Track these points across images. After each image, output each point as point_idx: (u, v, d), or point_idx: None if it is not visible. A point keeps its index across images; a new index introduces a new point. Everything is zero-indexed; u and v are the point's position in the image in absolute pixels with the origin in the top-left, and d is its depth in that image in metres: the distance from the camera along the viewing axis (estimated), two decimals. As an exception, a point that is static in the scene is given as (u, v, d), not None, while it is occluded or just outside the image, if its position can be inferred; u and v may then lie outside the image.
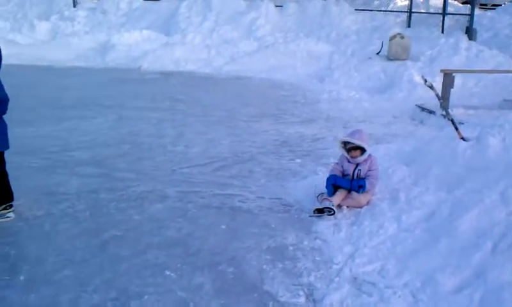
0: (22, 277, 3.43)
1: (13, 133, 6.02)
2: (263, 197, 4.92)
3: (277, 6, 16.48)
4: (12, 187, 4.42)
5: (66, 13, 17.63)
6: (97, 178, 5.32)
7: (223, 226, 4.29)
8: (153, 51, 14.58)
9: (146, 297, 3.26)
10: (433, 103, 7.72)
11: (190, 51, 14.55)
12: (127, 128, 7.44)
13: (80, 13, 17.65)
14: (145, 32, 15.92)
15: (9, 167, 5.15)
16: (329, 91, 10.41)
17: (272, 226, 4.33)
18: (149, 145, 6.59)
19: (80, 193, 4.90)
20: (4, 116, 4.22)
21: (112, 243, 3.96)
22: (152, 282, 3.43)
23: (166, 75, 12.82)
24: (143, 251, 3.83)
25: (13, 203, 4.35)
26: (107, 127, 7.48)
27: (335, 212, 4.40)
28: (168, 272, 3.55)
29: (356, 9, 16.30)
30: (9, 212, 4.29)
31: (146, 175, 5.46)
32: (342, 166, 4.74)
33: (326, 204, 4.47)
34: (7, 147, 4.24)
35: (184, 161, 5.98)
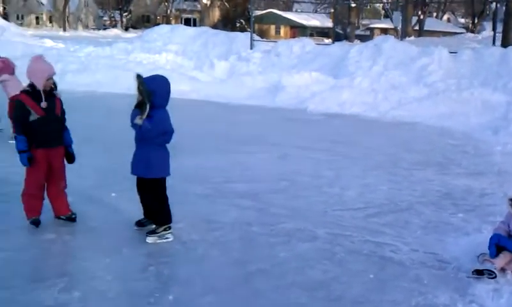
0: (170, 297, 3.62)
1: (183, 162, 6.56)
2: (417, 250, 4.65)
3: (451, 53, 15.81)
4: (175, 211, 4.75)
5: (243, 54, 18.73)
6: (252, 211, 5.48)
7: (371, 275, 4.12)
8: (321, 93, 14.81)
9: (283, 335, 3.24)
10: None
11: (356, 94, 14.50)
12: (288, 166, 7.59)
13: (256, 55, 18.63)
14: (314, 74, 16.26)
15: (175, 193, 5.55)
16: (503, 144, 9.60)
17: (425, 282, 4.06)
18: (306, 184, 6.65)
19: (234, 223, 5.08)
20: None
21: (257, 276, 4.02)
22: (291, 321, 3.40)
23: (331, 117, 12.90)
24: (285, 288, 3.84)
25: (172, 225, 4.65)
26: (269, 163, 7.70)
27: (496, 276, 4.00)
28: (307, 314, 3.50)
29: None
30: (168, 233, 4.60)
31: (298, 213, 5.49)
32: (509, 226, 4.31)
33: (487, 266, 4.09)
34: (168, 174, 4.59)
35: (338, 203, 5.91)
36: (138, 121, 4.32)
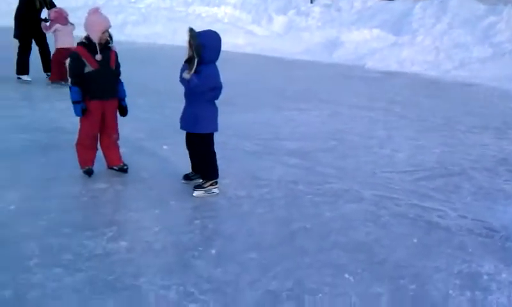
0: (213, 251, 3.72)
1: (234, 117, 6.64)
2: (465, 217, 4.55)
3: (522, 11, 14.96)
4: (223, 166, 4.83)
5: (303, 8, 18.40)
6: (299, 170, 5.49)
7: (415, 240, 4.08)
8: (380, 50, 14.44)
9: (320, 295, 3.28)
10: None
11: (418, 52, 14.05)
12: (339, 124, 7.52)
13: (316, 8, 18.27)
14: (375, 31, 15.84)
15: (224, 148, 5.65)
16: None
17: (469, 249, 3.99)
18: (356, 144, 6.58)
19: (280, 181, 5.11)
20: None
21: (300, 234, 4.06)
22: (330, 282, 3.43)
23: (389, 75, 12.61)
24: (327, 249, 3.86)
25: (219, 180, 4.74)
26: (320, 121, 7.65)
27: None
28: (347, 275, 3.52)
29: None
30: (214, 188, 4.69)
31: (346, 173, 5.46)
32: None
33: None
34: (216, 129, 4.65)
35: (387, 165, 5.83)
36: (186, 75, 4.36)
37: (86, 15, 4.71)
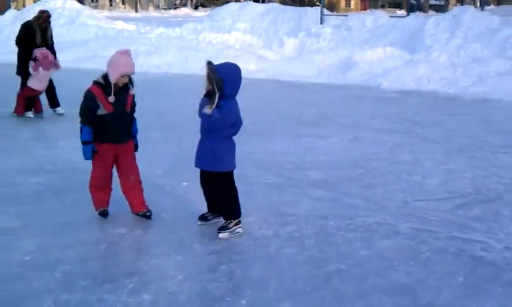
0: (243, 301, 3.43)
1: (253, 147, 6.37)
2: (511, 248, 4.22)
3: (539, 22, 14.69)
4: (245, 202, 4.56)
5: (313, 30, 18.23)
6: (327, 202, 5.20)
7: (460, 278, 3.77)
8: (395, 69, 14.17)
9: (366, 349, 2.97)
10: None
11: (434, 70, 13.76)
12: (362, 150, 7.23)
13: (327, 29, 18.10)
14: (388, 49, 15.60)
15: (245, 182, 5.38)
16: None
17: (522, 286, 3.66)
18: (382, 171, 6.28)
19: (308, 216, 4.82)
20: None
21: (335, 277, 3.76)
22: (374, 331, 3.13)
23: (406, 94, 12.32)
24: (367, 293, 3.55)
25: (242, 219, 4.47)
26: (342, 148, 7.37)
27: None
28: (393, 323, 3.21)
29: None
30: (238, 227, 4.42)
31: (377, 204, 5.16)
32: None
33: None
34: (235, 166, 4.39)
35: (419, 193, 5.52)
36: (207, 110, 4.11)
37: (114, 52, 4.42)
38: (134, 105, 4.61)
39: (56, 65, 8.65)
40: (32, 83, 8.54)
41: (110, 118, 4.36)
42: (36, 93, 8.67)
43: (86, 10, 23.59)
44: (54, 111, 9.03)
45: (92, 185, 4.61)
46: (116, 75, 4.28)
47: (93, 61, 16.41)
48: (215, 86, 4.06)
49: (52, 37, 8.92)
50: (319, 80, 14.46)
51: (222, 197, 4.40)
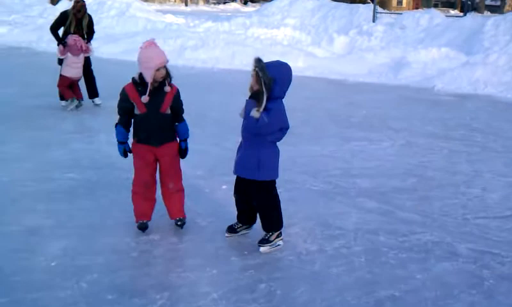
0: (284, 330, 3.07)
1: (299, 150, 5.97)
2: None
3: None
4: (289, 210, 4.23)
5: (365, 28, 17.65)
6: (378, 216, 4.77)
7: (532, 314, 3.30)
8: (450, 70, 13.49)
9: None
10: None
11: (492, 73, 13.01)
12: (415, 157, 6.74)
13: (379, 27, 17.48)
14: (444, 50, 14.89)
15: (290, 188, 5.02)
16: None
17: None
18: (438, 182, 5.79)
19: (357, 231, 4.41)
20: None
21: (388, 305, 3.35)
22: None
23: (462, 98, 11.67)
24: (424, 327, 3.13)
25: (286, 228, 4.12)
26: (394, 153, 6.90)
27: None
28: None
29: None
30: (280, 239, 4.06)
31: (433, 221, 4.69)
32: None
33: None
34: (277, 175, 4.02)
35: (480, 209, 5.02)
36: (255, 113, 3.72)
37: (139, 49, 3.99)
38: (177, 104, 4.15)
39: (86, 50, 8.59)
40: (65, 70, 8.49)
41: (143, 119, 4.02)
42: (71, 81, 8.54)
43: (136, 3, 23.62)
44: (92, 102, 9.04)
45: (134, 193, 4.19)
46: (150, 71, 3.87)
47: (130, 55, 16.39)
48: (263, 87, 3.67)
49: (90, 26, 8.84)
50: (369, 80, 13.93)
51: (263, 208, 4.02)
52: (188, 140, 4.24)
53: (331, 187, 5.47)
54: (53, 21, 8.87)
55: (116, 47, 17.24)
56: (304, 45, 16.96)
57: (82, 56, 8.56)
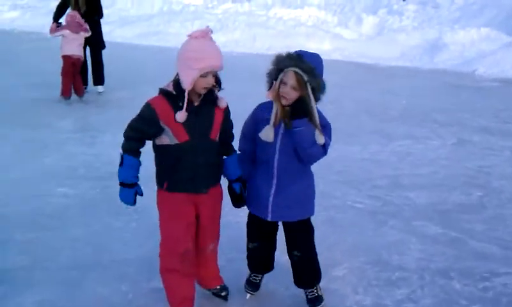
0: None
1: (333, 152, 4.78)
2: None
3: None
4: (329, 240, 3.27)
5: (395, 7, 16.45)
6: (445, 246, 3.72)
7: None
8: (493, 53, 12.29)
9: None
10: None
11: (541, 55, 11.81)
12: (473, 160, 5.68)
13: (410, 7, 16.26)
14: (483, 30, 13.64)
15: (327, 205, 4.04)
16: None
17: None
18: (510, 195, 4.73)
19: (423, 272, 3.38)
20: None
21: None
22: None
23: (507, 83, 10.51)
24: None
25: (330, 271, 3.17)
26: (446, 156, 5.84)
27: None
28: None
29: None
30: (320, 290, 2.99)
31: (516, 254, 3.66)
32: None
33: None
34: (313, 213, 2.90)
35: None
36: (321, 139, 2.61)
37: (186, 38, 2.57)
38: (227, 126, 2.79)
39: (85, 30, 7.80)
40: (64, 49, 7.66)
41: (182, 151, 2.60)
42: (72, 61, 7.63)
43: (151, -17, 22.59)
44: (96, 89, 8.37)
45: (166, 270, 2.75)
46: (192, 74, 2.49)
47: (157, 37, 15.42)
48: (309, 93, 2.58)
49: (91, 4, 8.07)
50: (402, 64, 12.83)
51: (307, 254, 2.88)
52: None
53: (379, 205, 4.44)
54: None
55: (130, 31, 16.31)
56: (330, 26, 15.84)
57: (82, 34, 7.75)
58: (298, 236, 2.85)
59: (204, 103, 2.63)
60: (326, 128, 2.67)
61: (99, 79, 8.29)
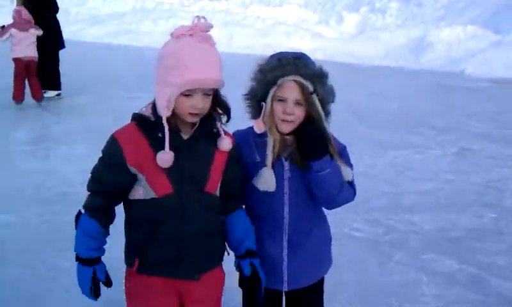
0: None
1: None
2: None
3: None
4: (329, 281, 2.48)
5: (377, 5, 15.90)
6: (464, 289, 3.06)
7: None
8: (481, 52, 11.81)
9: None
10: None
11: (530, 53, 11.35)
12: (478, 173, 5.07)
13: (393, 4, 15.72)
14: (470, 28, 13.18)
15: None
16: None
17: None
18: (528, 216, 4.12)
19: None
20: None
21: None
22: None
23: (499, 84, 10.01)
24: None
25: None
26: (449, 168, 5.22)
27: None
28: None
29: None
30: None
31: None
32: None
33: None
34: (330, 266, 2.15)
35: None
36: (349, 175, 1.85)
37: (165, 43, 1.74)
38: (232, 176, 1.85)
39: (36, 26, 7.08)
40: (14, 52, 6.94)
41: (161, 210, 1.73)
42: (26, 63, 6.92)
43: (124, -20, 21.76)
44: (43, 93, 7.44)
45: None
46: (170, 92, 1.65)
47: (128, 36, 14.68)
48: (319, 109, 1.80)
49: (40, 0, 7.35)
50: (387, 63, 12.32)
51: None
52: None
53: (381, 232, 3.77)
54: None
55: (101, 30, 15.52)
56: (310, 25, 15.29)
57: (32, 32, 6.99)
58: (306, 302, 2.09)
59: (198, 137, 1.75)
60: (343, 153, 1.91)
61: (50, 83, 7.54)
